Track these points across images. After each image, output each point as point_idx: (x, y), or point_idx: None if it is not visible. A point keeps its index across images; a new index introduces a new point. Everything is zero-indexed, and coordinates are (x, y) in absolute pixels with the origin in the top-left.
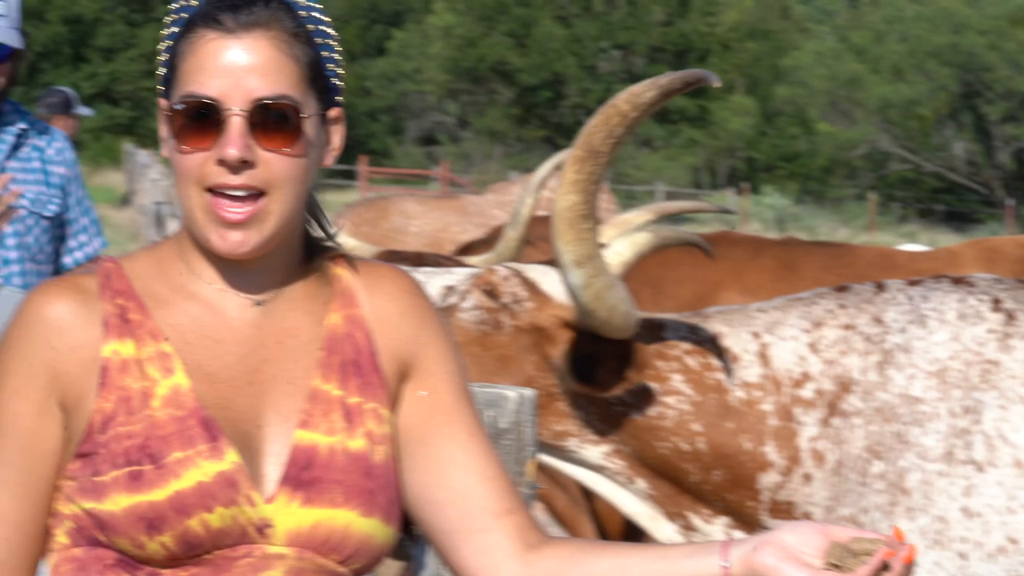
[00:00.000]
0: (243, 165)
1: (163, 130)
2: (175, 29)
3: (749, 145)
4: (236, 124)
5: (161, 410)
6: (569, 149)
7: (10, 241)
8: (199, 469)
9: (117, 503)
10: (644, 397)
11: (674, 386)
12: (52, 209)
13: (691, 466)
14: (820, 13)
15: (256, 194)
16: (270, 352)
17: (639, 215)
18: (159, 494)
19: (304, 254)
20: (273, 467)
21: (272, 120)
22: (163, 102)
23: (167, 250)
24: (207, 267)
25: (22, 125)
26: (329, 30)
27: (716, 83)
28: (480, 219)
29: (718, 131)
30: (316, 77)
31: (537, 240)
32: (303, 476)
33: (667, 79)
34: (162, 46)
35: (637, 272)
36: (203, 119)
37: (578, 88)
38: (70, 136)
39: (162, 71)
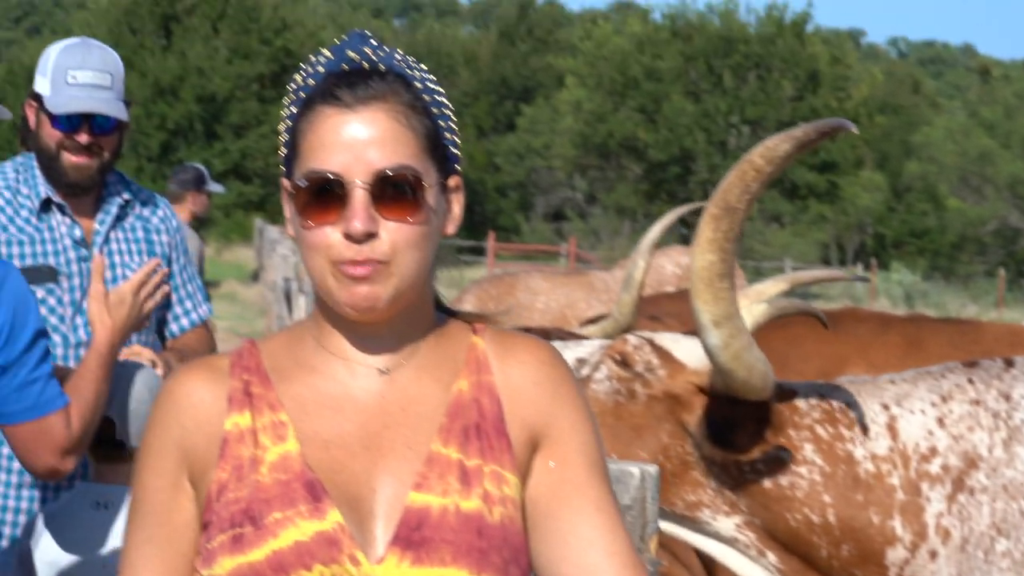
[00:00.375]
0: (367, 237)
1: (288, 208)
2: (294, 109)
3: (878, 221)
4: (359, 197)
5: (268, 475)
6: (675, 209)
7: None
8: (297, 528)
9: (223, 567)
10: (777, 465)
11: (806, 455)
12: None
13: (821, 539)
14: (951, 88)
15: (381, 262)
16: (392, 419)
17: (773, 285)
18: (257, 554)
19: (435, 321)
20: (384, 529)
21: (394, 191)
22: (286, 181)
23: (300, 328)
24: (335, 339)
25: (126, 195)
26: (444, 100)
27: (853, 130)
28: (607, 295)
29: (847, 207)
30: (434, 147)
31: (664, 316)
32: (413, 536)
33: (802, 130)
34: (283, 126)
35: (762, 348)
36: (326, 194)
37: (707, 164)
38: (201, 212)
39: (284, 150)
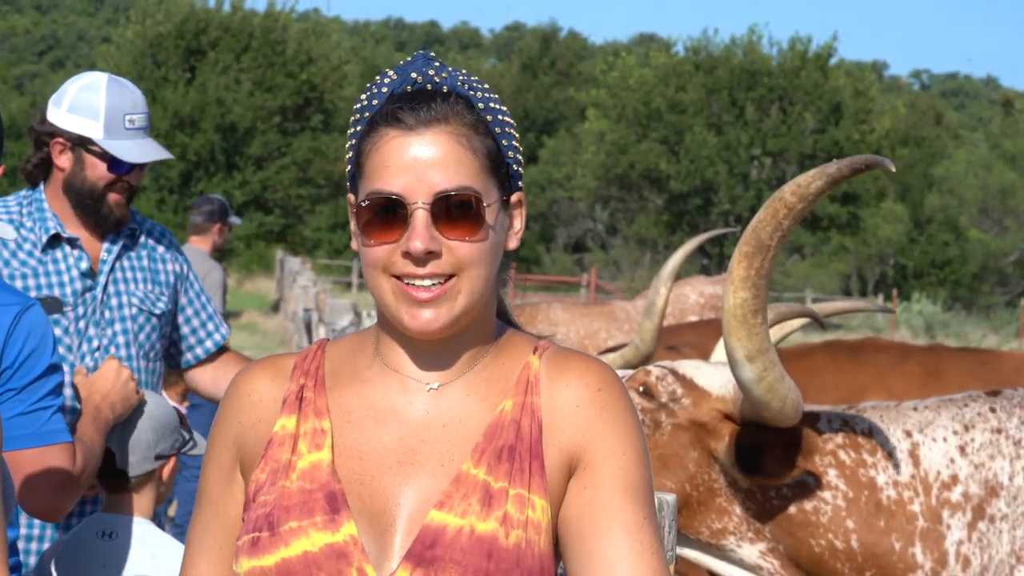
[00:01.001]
0: (428, 256)
1: (353, 224)
2: (359, 128)
3: (899, 252)
4: (420, 217)
5: (295, 482)
6: (696, 237)
7: (120, 339)
8: (308, 539)
9: (242, 566)
10: (802, 490)
11: (829, 480)
12: (161, 307)
13: (843, 565)
14: (973, 120)
15: (444, 278)
16: (431, 434)
17: (797, 321)
18: (269, 560)
19: (497, 337)
20: (401, 544)
21: (454, 210)
22: (351, 198)
23: (367, 334)
24: (392, 352)
25: (132, 225)
26: (507, 119)
27: (890, 167)
28: (628, 325)
29: (868, 238)
30: (496, 166)
31: (683, 346)
32: (426, 554)
33: (835, 167)
34: (348, 144)
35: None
36: (388, 213)
37: (728, 195)
38: (222, 244)
39: (349, 167)
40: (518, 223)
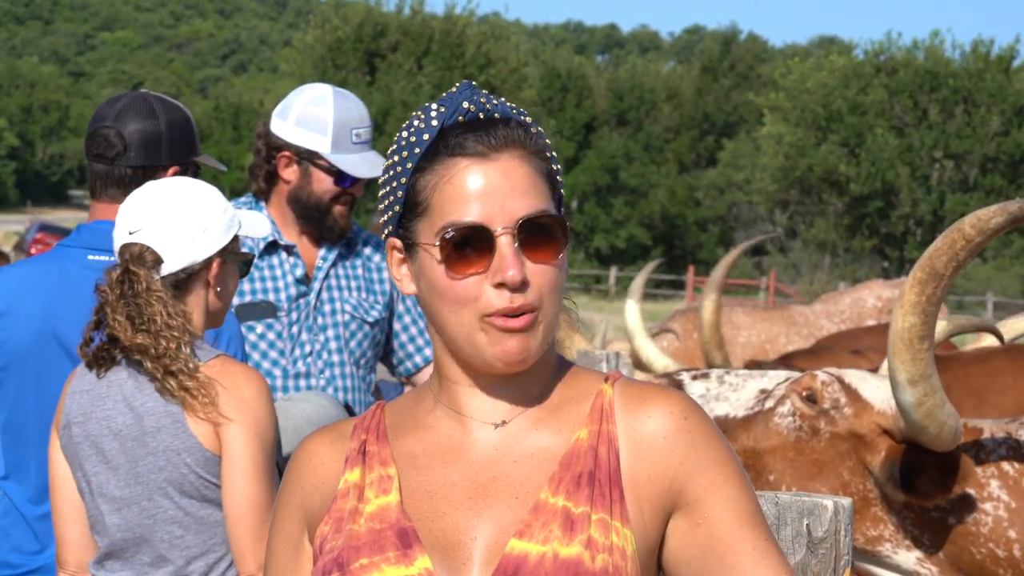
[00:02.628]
0: (522, 285)
1: (396, 270)
2: (410, 165)
3: None
4: (507, 244)
5: (363, 525)
6: (739, 247)
7: (332, 344)
8: (381, 574)
9: None
10: (963, 504)
11: (991, 491)
12: (375, 315)
13: (1006, 571)
14: None
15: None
16: (502, 470)
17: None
18: None
19: (559, 368)
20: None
21: (538, 235)
22: (396, 241)
23: (425, 388)
24: (455, 394)
25: (348, 235)
26: (548, 142)
27: None
28: (807, 330)
29: None
30: (554, 189)
31: (866, 350)
32: None
33: (1017, 206)
34: (390, 186)
35: (961, 382)
36: (470, 245)
37: (909, 198)
38: None
39: (396, 208)
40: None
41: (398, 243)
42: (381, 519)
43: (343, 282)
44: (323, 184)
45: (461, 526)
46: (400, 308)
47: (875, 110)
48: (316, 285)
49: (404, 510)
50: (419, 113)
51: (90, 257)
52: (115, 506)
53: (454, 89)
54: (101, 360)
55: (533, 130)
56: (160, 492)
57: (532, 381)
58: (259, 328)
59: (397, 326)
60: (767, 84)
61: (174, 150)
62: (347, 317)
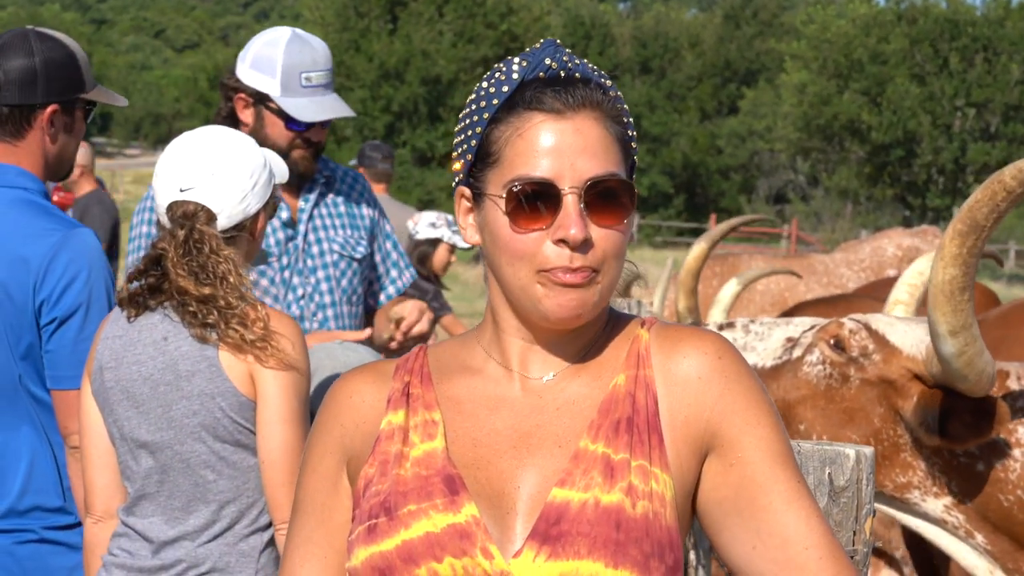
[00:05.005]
0: (584, 245)
1: (467, 217)
2: (487, 115)
3: None
4: (573, 204)
5: (409, 470)
6: (736, 219)
7: (323, 286)
8: (429, 520)
9: (359, 557)
10: (992, 450)
11: (1020, 438)
12: (361, 251)
13: None
14: None
15: (592, 271)
16: (546, 418)
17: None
18: (388, 544)
19: (607, 323)
20: (523, 524)
21: (604, 198)
22: (465, 190)
23: (470, 335)
24: (505, 348)
25: (326, 173)
26: (627, 108)
27: None
28: (827, 278)
29: None
30: (627, 155)
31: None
32: (551, 531)
33: None
34: (466, 134)
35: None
36: (536, 200)
37: (931, 147)
38: (381, 190)
39: (468, 156)
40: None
41: (467, 192)
42: (427, 465)
43: (327, 221)
44: (276, 128)
45: (505, 474)
46: (378, 241)
47: (896, 58)
48: (302, 228)
49: (449, 457)
50: (501, 66)
51: None
52: (147, 450)
53: (538, 45)
54: (136, 303)
55: (612, 94)
56: (193, 436)
57: (581, 340)
58: (252, 275)
59: (376, 258)
60: (789, 32)
61: (51, 87)
62: (335, 256)
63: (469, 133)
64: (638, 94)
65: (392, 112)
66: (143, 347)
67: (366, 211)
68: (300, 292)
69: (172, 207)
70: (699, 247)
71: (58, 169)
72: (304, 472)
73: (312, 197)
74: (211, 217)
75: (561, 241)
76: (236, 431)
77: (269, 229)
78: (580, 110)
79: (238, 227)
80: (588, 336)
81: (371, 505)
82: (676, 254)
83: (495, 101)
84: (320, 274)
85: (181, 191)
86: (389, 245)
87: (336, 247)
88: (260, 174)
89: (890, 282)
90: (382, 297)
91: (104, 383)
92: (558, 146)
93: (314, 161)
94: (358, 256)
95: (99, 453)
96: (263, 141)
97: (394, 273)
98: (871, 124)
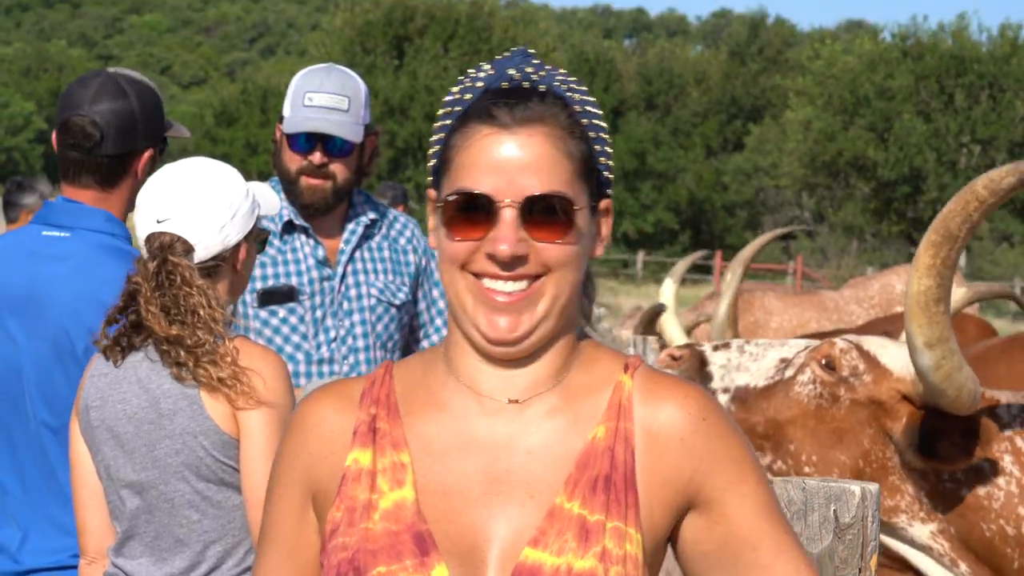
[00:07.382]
0: (514, 261)
1: (432, 220)
2: (448, 122)
3: None
4: (508, 216)
5: (379, 523)
6: (771, 233)
7: (358, 330)
8: None
9: None
10: (977, 475)
11: (1004, 466)
12: (401, 297)
13: (1014, 551)
14: None
15: (530, 279)
16: (518, 461)
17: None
18: None
19: (579, 351)
20: None
21: (544, 213)
22: (432, 193)
23: (435, 352)
24: (466, 366)
25: (372, 215)
26: (602, 123)
27: None
28: (837, 315)
29: None
30: (588, 171)
31: (896, 334)
32: None
33: None
34: (435, 137)
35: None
36: (474, 211)
37: (937, 183)
38: None
39: (433, 162)
40: (605, 230)
41: (433, 194)
42: (397, 519)
43: (368, 265)
44: (285, 151)
45: (477, 527)
46: (423, 289)
47: (902, 95)
48: (340, 269)
49: (420, 511)
50: (471, 71)
51: (44, 233)
52: (133, 490)
53: (508, 54)
54: (119, 347)
55: (577, 108)
56: (177, 476)
57: (546, 360)
58: (281, 312)
59: (422, 306)
60: (794, 68)
61: (149, 131)
62: (373, 301)
63: (439, 137)
64: (643, 130)
65: (396, 147)
66: (128, 385)
67: (411, 257)
68: (333, 334)
69: (150, 239)
70: (733, 272)
71: (130, 210)
72: (270, 499)
73: (354, 239)
74: (188, 248)
75: (491, 255)
76: (220, 470)
77: (304, 267)
78: (528, 125)
79: (218, 258)
80: (553, 358)
81: (339, 561)
82: (683, 291)
83: (458, 108)
84: (356, 317)
85: (158, 222)
86: (436, 293)
87: (375, 291)
88: (240, 204)
89: (898, 318)
90: (424, 344)
91: (91, 422)
92: (500, 162)
93: (327, 195)
94: (397, 302)
95: (89, 493)
96: (280, 165)
97: (439, 322)
98: (877, 160)
